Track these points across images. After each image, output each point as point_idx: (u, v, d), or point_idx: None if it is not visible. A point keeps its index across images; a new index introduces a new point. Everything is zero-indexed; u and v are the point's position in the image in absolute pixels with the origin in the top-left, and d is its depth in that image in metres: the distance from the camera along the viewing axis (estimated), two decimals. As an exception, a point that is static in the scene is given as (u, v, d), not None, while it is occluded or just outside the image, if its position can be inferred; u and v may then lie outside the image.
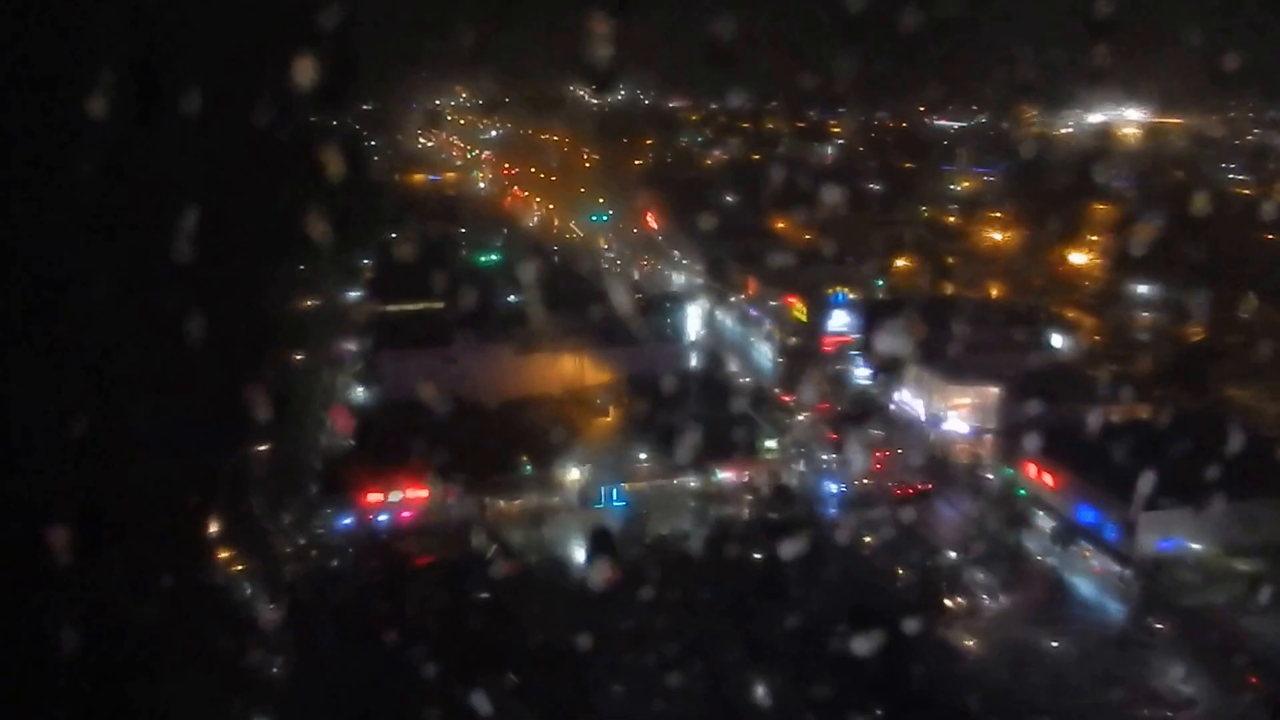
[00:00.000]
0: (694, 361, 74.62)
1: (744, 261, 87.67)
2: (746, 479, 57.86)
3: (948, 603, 46.65)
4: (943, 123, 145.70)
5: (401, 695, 35.50)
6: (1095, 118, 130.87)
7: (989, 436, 61.74)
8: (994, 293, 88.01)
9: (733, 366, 78.45)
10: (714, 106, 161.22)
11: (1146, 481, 44.63)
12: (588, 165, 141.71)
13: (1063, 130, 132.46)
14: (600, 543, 48.81)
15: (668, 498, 56.09)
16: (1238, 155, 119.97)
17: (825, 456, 60.94)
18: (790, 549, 43.26)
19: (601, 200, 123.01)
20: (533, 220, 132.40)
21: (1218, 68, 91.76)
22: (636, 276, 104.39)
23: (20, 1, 48.88)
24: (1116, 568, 48.69)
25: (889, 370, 67.39)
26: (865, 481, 58.75)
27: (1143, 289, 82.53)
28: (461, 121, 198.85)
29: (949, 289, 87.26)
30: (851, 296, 78.70)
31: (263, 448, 56.15)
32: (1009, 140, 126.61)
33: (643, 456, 57.05)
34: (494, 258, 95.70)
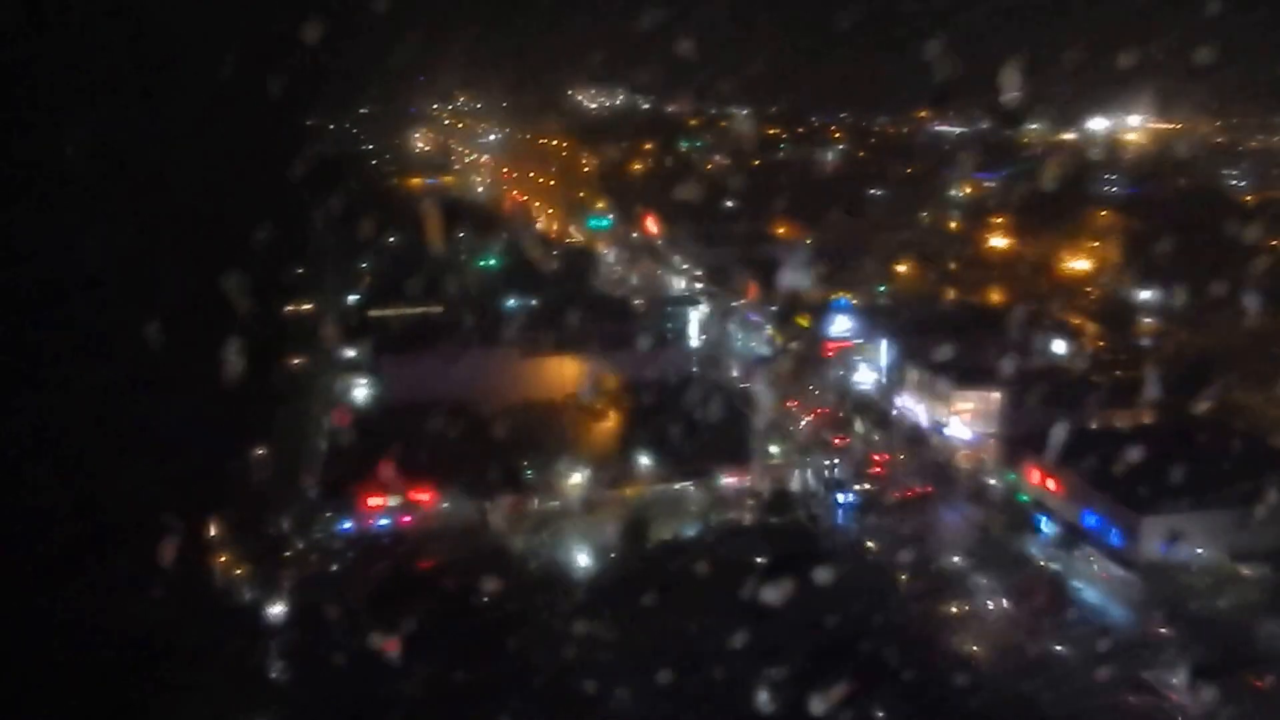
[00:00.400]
0: (695, 366, 74.49)
1: (745, 266, 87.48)
2: (748, 484, 57.68)
3: (951, 607, 46.45)
4: (944, 128, 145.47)
5: (402, 699, 35.26)
6: (1098, 124, 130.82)
7: (992, 441, 61.57)
8: (996, 298, 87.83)
9: (734, 371, 78.29)
10: (714, 111, 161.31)
11: (1150, 486, 44.51)
12: (587, 170, 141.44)
13: (1065, 136, 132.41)
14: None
15: (669, 503, 55.95)
16: (1240, 161, 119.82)
17: (827, 461, 60.75)
18: (792, 553, 43.12)
19: (601, 205, 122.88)
20: (533, 224, 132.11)
21: (1221, 74, 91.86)
22: (637, 281, 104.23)
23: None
24: (1121, 573, 48.43)
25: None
26: (867, 486, 58.65)
27: (1146, 294, 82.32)
28: (460, 126, 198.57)
29: (951, 294, 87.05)
30: (853, 301, 78.65)
31: (263, 450, 55.94)
32: (1011, 146, 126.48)
33: (644, 461, 56.93)
34: (494, 262, 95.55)
